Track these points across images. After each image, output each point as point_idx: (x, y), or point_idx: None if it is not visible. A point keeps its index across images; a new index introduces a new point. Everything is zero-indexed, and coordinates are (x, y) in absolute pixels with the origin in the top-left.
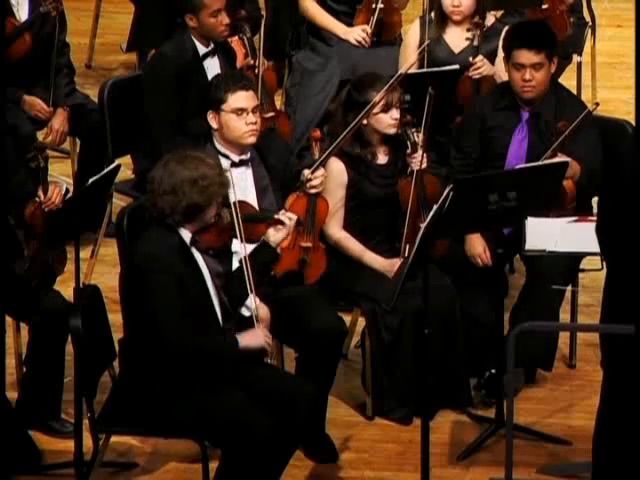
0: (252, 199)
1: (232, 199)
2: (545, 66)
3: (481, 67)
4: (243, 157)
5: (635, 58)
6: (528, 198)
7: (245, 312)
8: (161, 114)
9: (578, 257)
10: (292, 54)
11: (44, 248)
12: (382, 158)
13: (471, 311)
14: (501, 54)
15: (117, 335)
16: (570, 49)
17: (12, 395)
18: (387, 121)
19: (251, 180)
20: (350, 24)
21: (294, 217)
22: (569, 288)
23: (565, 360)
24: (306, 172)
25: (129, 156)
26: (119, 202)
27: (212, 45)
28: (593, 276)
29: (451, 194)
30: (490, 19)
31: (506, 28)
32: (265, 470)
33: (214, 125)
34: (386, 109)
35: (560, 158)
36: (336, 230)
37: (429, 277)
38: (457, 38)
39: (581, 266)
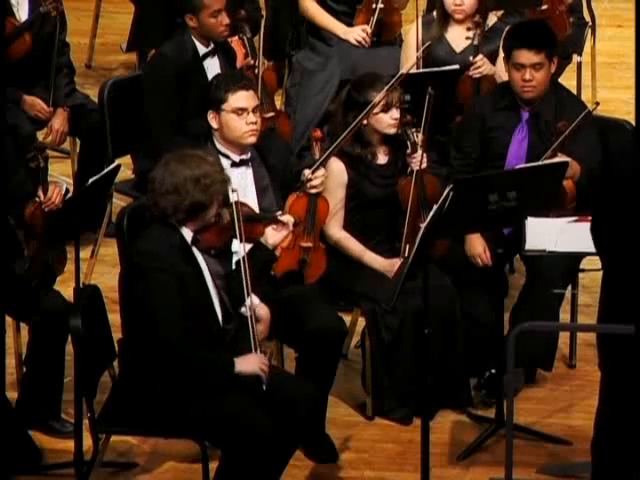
0: (252, 199)
1: (232, 199)
2: (545, 66)
3: (481, 66)
4: (243, 157)
5: (635, 58)
6: (528, 198)
7: (246, 312)
8: (161, 114)
9: (578, 257)
10: (292, 54)
11: (44, 248)
12: (382, 158)
13: (471, 311)
14: (501, 54)
15: (117, 335)
16: (570, 49)
17: (12, 395)
18: (387, 121)
19: (251, 180)
20: (350, 24)
21: (292, 219)
22: (569, 288)
23: (565, 360)
24: (306, 172)
25: (129, 156)
26: (119, 202)
27: (212, 45)
28: (593, 276)
29: (451, 194)
30: (492, 19)
31: (507, 28)
32: (265, 470)
33: (214, 125)
34: (386, 109)
35: (560, 158)
36: (336, 230)
37: (429, 277)
38: (459, 37)
39: (581, 266)
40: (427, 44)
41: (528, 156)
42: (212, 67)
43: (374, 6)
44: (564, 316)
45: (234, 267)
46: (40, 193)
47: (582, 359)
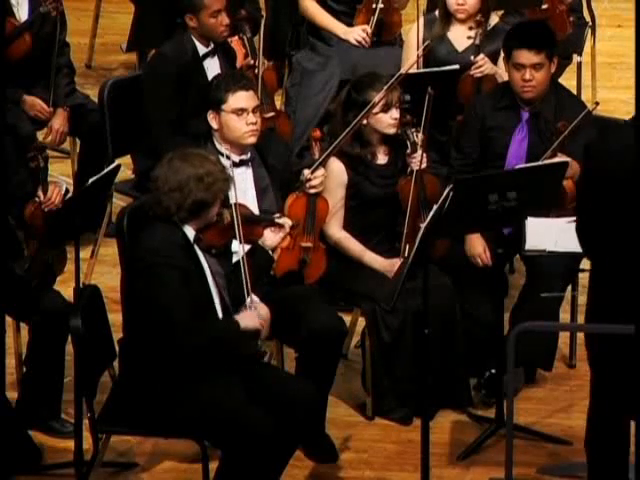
0: (252, 199)
1: (232, 200)
2: (545, 66)
3: (482, 66)
4: (243, 157)
5: (635, 58)
6: (528, 198)
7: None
8: (161, 114)
9: (578, 257)
10: (292, 54)
11: (44, 248)
12: (382, 158)
13: (471, 311)
14: (502, 54)
15: (117, 335)
16: (570, 49)
17: (12, 395)
18: (387, 121)
19: (251, 180)
20: (350, 24)
21: (289, 222)
22: (569, 289)
23: (565, 360)
24: (306, 172)
25: (129, 156)
26: (119, 202)
27: (212, 45)
28: None
29: (451, 194)
30: (494, 19)
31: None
32: (265, 470)
33: (214, 125)
34: (386, 109)
35: (560, 158)
36: (336, 230)
37: (429, 277)
38: (461, 36)
39: (581, 266)
40: (427, 43)
41: (528, 156)
42: (212, 67)
43: (374, 6)
44: (564, 316)
45: (234, 267)
46: (40, 193)
47: (582, 359)
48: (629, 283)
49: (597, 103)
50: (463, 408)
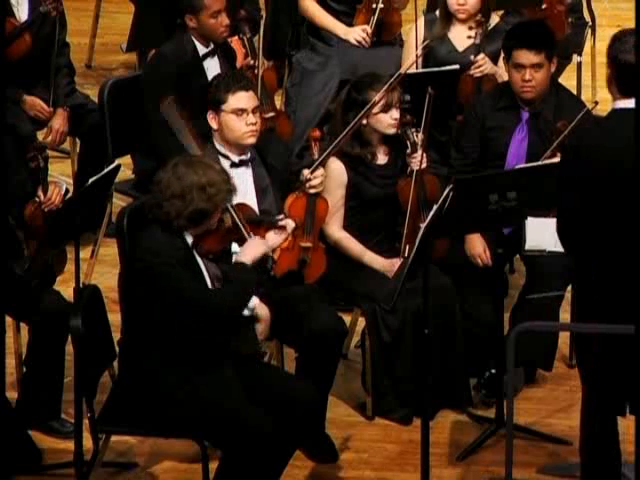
0: (252, 200)
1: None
2: (545, 66)
3: (483, 65)
4: (243, 157)
5: (635, 58)
6: (528, 198)
7: (245, 312)
8: (160, 114)
9: None
10: (292, 54)
11: (44, 248)
12: (382, 158)
13: (471, 311)
14: (502, 54)
15: (117, 335)
16: (570, 49)
17: (12, 395)
18: (387, 121)
19: (251, 180)
20: (350, 24)
21: (292, 224)
22: (569, 289)
23: (565, 360)
24: (305, 172)
25: (129, 156)
26: (119, 202)
27: (212, 45)
28: None
29: (451, 194)
30: (495, 19)
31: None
32: (265, 470)
33: (214, 125)
34: (386, 109)
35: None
36: (336, 230)
37: (429, 277)
38: (461, 37)
39: None
40: (426, 42)
41: (528, 156)
42: (212, 67)
43: (374, 6)
44: (564, 316)
45: None
46: (40, 193)
47: None
48: (615, 282)
49: (596, 103)
50: (463, 408)
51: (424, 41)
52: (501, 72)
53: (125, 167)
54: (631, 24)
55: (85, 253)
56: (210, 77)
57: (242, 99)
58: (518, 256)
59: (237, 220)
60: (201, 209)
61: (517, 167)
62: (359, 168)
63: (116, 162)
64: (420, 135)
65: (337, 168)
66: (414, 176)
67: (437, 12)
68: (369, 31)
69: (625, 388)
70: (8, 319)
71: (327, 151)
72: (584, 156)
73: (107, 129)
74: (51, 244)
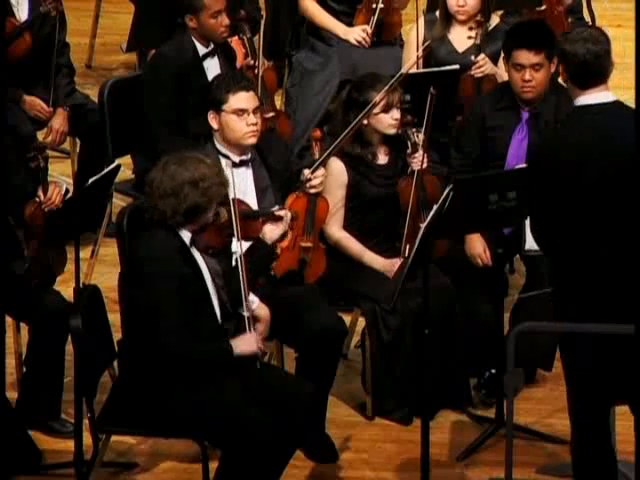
0: (252, 199)
1: (230, 196)
2: (545, 66)
3: (483, 65)
4: (243, 157)
5: (635, 58)
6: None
7: (244, 312)
8: (161, 114)
9: None
10: (292, 54)
11: (44, 248)
12: (382, 158)
13: (471, 311)
14: (502, 54)
15: (117, 335)
16: None
17: (12, 395)
18: (388, 121)
19: (251, 181)
20: (350, 24)
21: (289, 214)
22: None
23: None
24: (306, 172)
25: (129, 156)
26: (119, 202)
27: (212, 45)
28: None
29: (451, 194)
30: (495, 19)
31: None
32: (265, 470)
33: (214, 125)
34: (387, 109)
35: None
36: (336, 230)
37: (429, 277)
38: (461, 37)
39: None
40: (427, 43)
41: None
42: (212, 67)
43: (374, 6)
44: None
45: (233, 266)
46: (40, 193)
47: None
48: (591, 281)
49: None
50: (463, 408)
51: (424, 42)
52: (501, 72)
53: (125, 167)
54: (631, 24)
55: (85, 253)
56: (210, 77)
57: (243, 99)
58: (518, 256)
59: (232, 216)
60: (196, 204)
61: (517, 167)
62: (360, 168)
63: (116, 162)
64: (421, 135)
65: (337, 168)
66: (415, 176)
67: (437, 12)
68: (369, 31)
69: (612, 387)
70: (8, 319)
71: (328, 151)
72: (552, 155)
73: (107, 129)
74: (51, 244)
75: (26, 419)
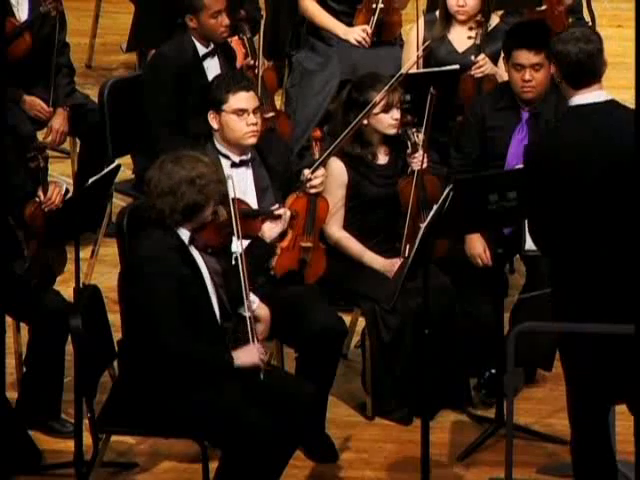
0: (252, 199)
1: (230, 196)
2: (545, 66)
3: (483, 65)
4: (243, 157)
5: (635, 58)
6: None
7: (244, 312)
8: (161, 114)
9: None
10: (292, 54)
11: (44, 248)
12: (382, 158)
13: (471, 311)
14: (502, 54)
15: (117, 335)
16: None
17: (12, 395)
18: (388, 121)
19: (251, 181)
20: (350, 24)
21: (288, 212)
22: None
23: None
24: (306, 172)
25: (129, 156)
26: (119, 202)
27: (212, 45)
28: None
29: (451, 194)
30: (495, 19)
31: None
32: (265, 470)
33: (215, 125)
34: (387, 109)
35: None
36: (336, 230)
37: (429, 277)
38: (461, 37)
39: None
40: (427, 43)
41: None
42: (212, 67)
43: (374, 6)
44: None
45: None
46: (40, 193)
47: None
48: (590, 281)
49: None
50: (463, 408)
51: (424, 42)
52: (501, 72)
53: (125, 167)
54: (631, 24)
55: (85, 253)
56: (210, 77)
57: (243, 99)
58: (518, 256)
59: (231, 214)
60: (194, 202)
61: (517, 167)
62: (360, 168)
63: (116, 162)
64: (421, 135)
65: (337, 168)
66: (415, 176)
67: (437, 12)
68: (369, 31)
69: (612, 387)
70: (8, 319)
71: (328, 151)
72: (550, 156)
73: (107, 129)
74: (51, 244)
75: (26, 419)
